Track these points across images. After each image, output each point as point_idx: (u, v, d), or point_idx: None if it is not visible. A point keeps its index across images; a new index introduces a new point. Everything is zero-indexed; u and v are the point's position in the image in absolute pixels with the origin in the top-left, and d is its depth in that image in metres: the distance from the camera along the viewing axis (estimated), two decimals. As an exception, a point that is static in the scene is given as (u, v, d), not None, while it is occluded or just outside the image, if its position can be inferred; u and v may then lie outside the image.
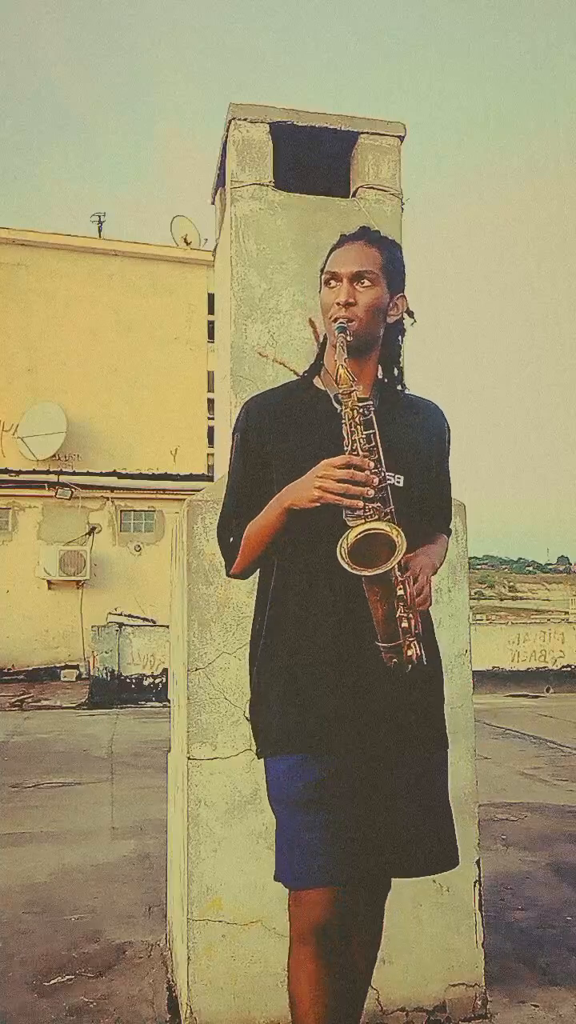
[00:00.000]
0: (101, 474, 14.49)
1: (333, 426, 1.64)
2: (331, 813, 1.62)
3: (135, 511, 14.70)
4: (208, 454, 15.30)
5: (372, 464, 1.58)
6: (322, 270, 1.80)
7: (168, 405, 15.17)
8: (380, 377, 1.84)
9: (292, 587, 1.71)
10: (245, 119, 2.58)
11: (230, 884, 2.30)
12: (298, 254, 2.56)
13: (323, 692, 1.66)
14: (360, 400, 1.61)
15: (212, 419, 15.04)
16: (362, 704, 1.65)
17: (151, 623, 11.47)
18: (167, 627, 3.67)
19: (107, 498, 14.50)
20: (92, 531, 14.31)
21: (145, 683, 10.36)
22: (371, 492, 1.56)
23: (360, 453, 1.59)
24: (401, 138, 2.67)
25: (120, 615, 12.06)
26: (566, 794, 5.40)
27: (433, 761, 1.74)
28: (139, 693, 10.29)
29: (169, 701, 2.95)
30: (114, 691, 10.23)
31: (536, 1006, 2.49)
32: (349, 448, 1.60)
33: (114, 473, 14.56)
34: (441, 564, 1.86)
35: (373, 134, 2.64)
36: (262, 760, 1.77)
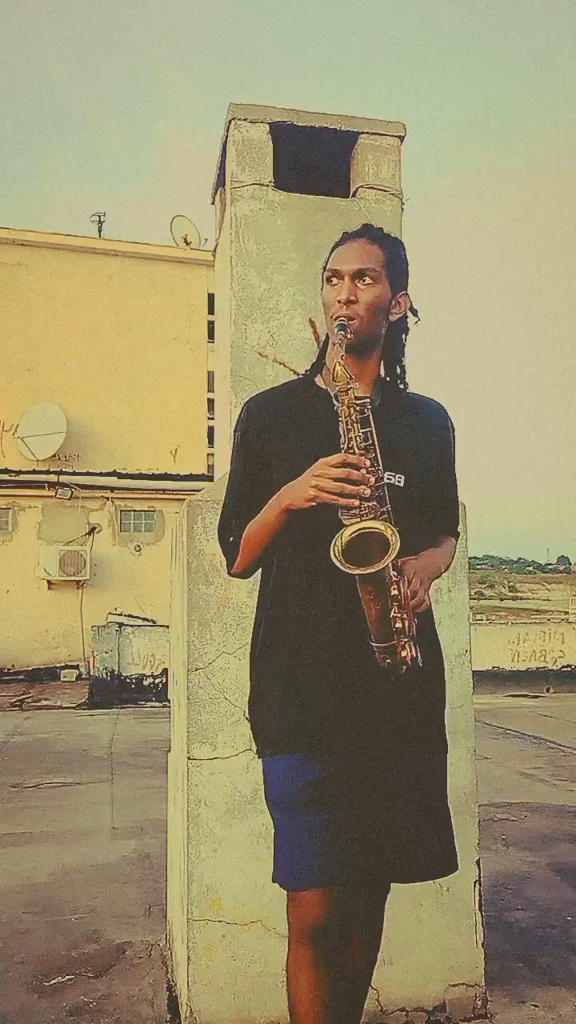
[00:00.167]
0: (101, 474, 14.50)
1: (334, 425, 1.63)
2: (330, 813, 1.62)
3: (135, 511, 14.70)
4: (208, 454, 15.31)
5: (368, 463, 1.58)
6: (324, 268, 1.79)
7: (168, 405, 15.17)
8: (382, 376, 1.83)
9: (292, 587, 1.71)
10: (245, 119, 2.58)
11: (230, 884, 2.30)
12: (298, 254, 2.56)
13: (323, 692, 1.65)
14: (357, 398, 1.60)
15: (212, 419, 15.04)
16: (362, 704, 1.64)
17: (151, 623, 11.47)
18: (167, 627, 3.67)
19: (107, 498, 14.51)
20: (92, 531, 14.31)
21: (145, 683, 10.37)
22: (367, 491, 1.55)
23: (356, 451, 1.58)
24: (401, 138, 2.67)
25: (120, 615, 12.06)
26: (566, 794, 5.40)
27: (432, 762, 1.73)
28: (139, 693, 10.29)
29: (169, 701, 2.95)
30: (114, 691, 10.23)
31: (536, 1006, 2.49)
32: (345, 446, 1.59)
33: (114, 473, 14.56)
34: (447, 567, 1.83)
35: (373, 134, 2.64)
36: (262, 761, 1.77)
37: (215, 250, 3.04)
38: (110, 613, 12.53)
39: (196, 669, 2.37)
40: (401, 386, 1.82)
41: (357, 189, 2.66)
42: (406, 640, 1.56)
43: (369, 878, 1.69)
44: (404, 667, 1.58)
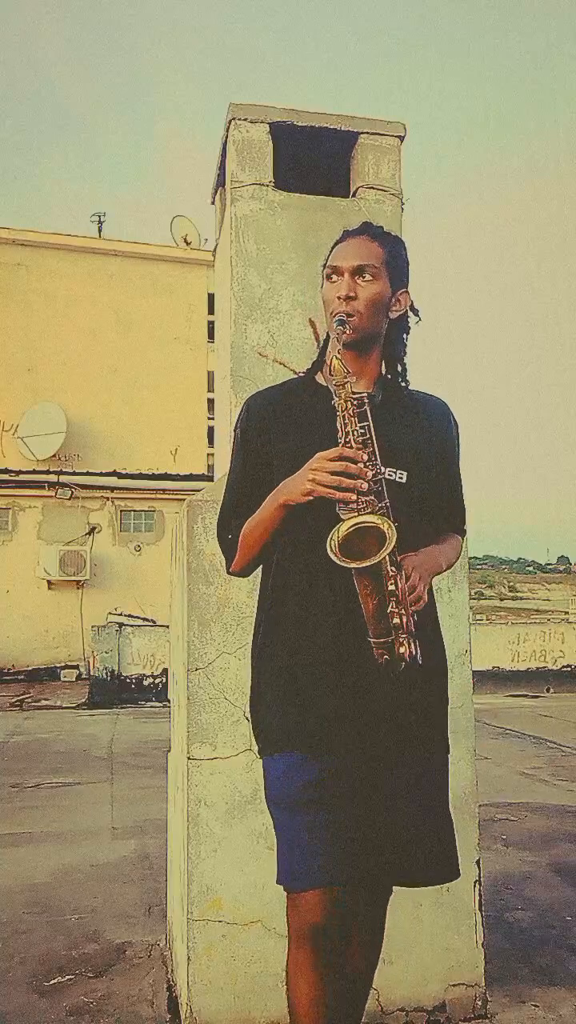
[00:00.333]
0: (101, 474, 14.50)
1: (334, 423, 1.63)
2: (330, 813, 1.62)
3: (135, 511, 14.70)
4: (208, 454, 15.31)
5: (366, 457, 1.57)
6: (324, 265, 1.79)
7: (168, 405, 15.17)
8: (384, 374, 1.83)
9: (292, 587, 1.71)
10: (245, 119, 2.58)
11: (230, 884, 2.30)
12: (298, 254, 2.56)
13: (323, 692, 1.65)
14: (354, 392, 1.60)
15: (212, 419, 15.04)
16: (362, 704, 1.64)
17: (151, 623, 11.47)
18: (167, 627, 3.67)
19: (107, 498, 14.51)
20: (92, 531, 14.31)
21: (145, 683, 10.37)
22: (364, 485, 1.55)
23: (354, 446, 1.58)
24: (401, 138, 2.67)
25: (120, 615, 12.06)
26: (566, 794, 5.40)
27: (432, 763, 1.73)
28: (139, 693, 10.29)
29: (169, 701, 2.95)
30: (114, 691, 10.24)
31: (536, 1006, 2.49)
32: (343, 440, 1.59)
33: (114, 473, 14.56)
34: (450, 565, 1.82)
35: (373, 134, 2.64)
36: (260, 759, 1.77)
37: (215, 250, 3.04)
38: (110, 613, 12.53)
39: (196, 669, 2.37)
40: (403, 384, 1.82)
41: (357, 189, 2.65)
42: (404, 636, 1.55)
43: (369, 879, 1.68)
44: (402, 664, 1.57)
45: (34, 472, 14.26)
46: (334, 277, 1.75)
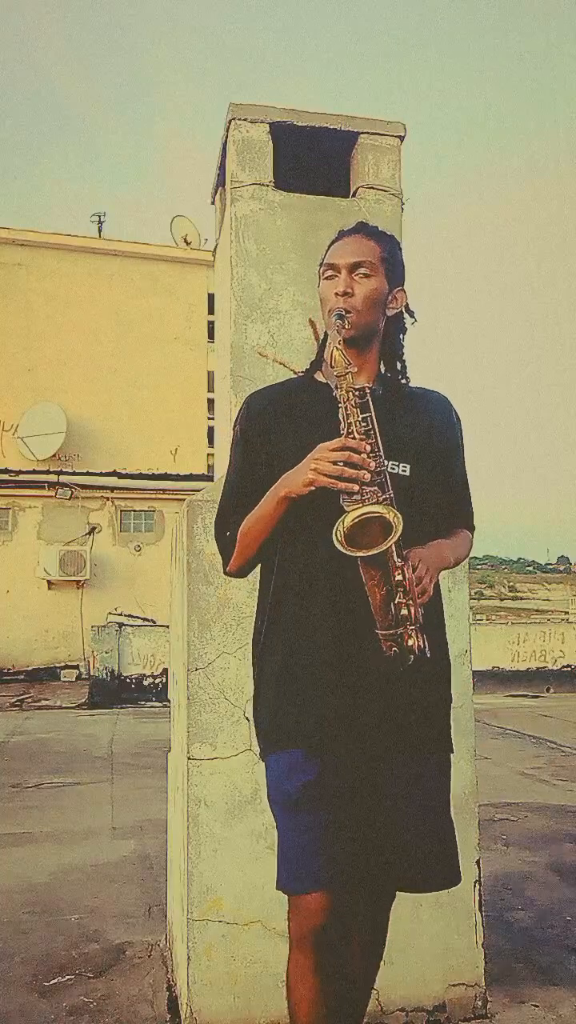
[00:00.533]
0: (101, 474, 14.50)
1: (335, 420, 1.63)
2: (330, 813, 1.61)
3: (135, 511, 14.70)
4: (208, 454, 15.31)
5: (369, 447, 1.57)
6: (321, 264, 1.79)
7: (168, 405, 15.18)
8: (383, 371, 1.83)
9: (291, 587, 1.70)
10: (245, 119, 2.58)
11: (230, 884, 2.30)
12: (298, 254, 2.56)
13: (323, 692, 1.64)
14: (355, 384, 1.60)
15: (212, 419, 15.05)
16: (361, 704, 1.63)
17: (151, 623, 11.47)
18: (167, 627, 3.67)
19: (107, 498, 14.51)
20: (92, 531, 14.31)
21: (145, 683, 10.37)
22: (367, 475, 1.54)
23: (356, 436, 1.58)
24: (401, 138, 2.67)
25: (120, 615, 12.06)
26: (566, 794, 5.40)
27: (431, 763, 1.72)
28: (139, 693, 10.30)
29: (169, 701, 2.95)
30: (114, 691, 10.24)
31: (536, 1006, 2.49)
32: (345, 431, 1.59)
33: (114, 473, 14.56)
34: (459, 561, 1.81)
35: (373, 134, 2.64)
36: (262, 761, 1.77)
37: (215, 250, 3.04)
38: (110, 613, 12.53)
39: (196, 669, 2.37)
40: (403, 381, 1.82)
41: (357, 189, 2.65)
42: (412, 628, 1.54)
43: (370, 881, 1.68)
44: (411, 657, 1.56)
45: (34, 472, 14.27)
46: (331, 274, 1.75)
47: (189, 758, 2.33)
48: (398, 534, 1.50)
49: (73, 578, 13.84)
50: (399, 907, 1.82)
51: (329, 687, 1.64)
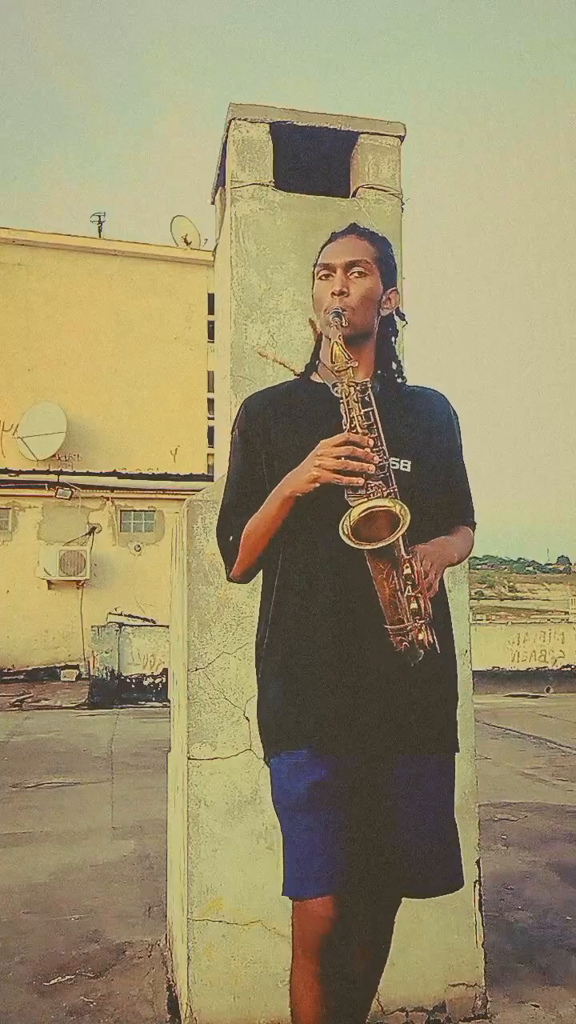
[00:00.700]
0: (101, 474, 14.50)
1: (334, 419, 1.63)
2: (333, 814, 1.61)
3: (135, 511, 14.70)
4: (208, 454, 15.31)
5: (372, 442, 1.57)
6: (315, 265, 1.80)
7: (168, 405, 15.18)
8: (379, 371, 1.83)
9: (292, 586, 1.70)
10: (245, 119, 2.58)
11: (230, 884, 2.30)
12: (298, 254, 2.56)
13: (322, 692, 1.64)
14: (356, 379, 1.61)
15: (212, 419, 15.05)
16: (361, 704, 1.63)
17: (151, 623, 11.47)
18: (167, 627, 3.67)
19: (107, 498, 14.51)
20: (92, 531, 14.31)
21: (145, 683, 10.37)
22: (372, 468, 1.54)
23: (359, 431, 1.58)
24: (401, 138, 2.67)
25: (120, 615, 12.06)
26: (566, 794, 5.40)
27: (432, 763, 1.71)
28: (139, 693, 10.29)
29: (169, 701, 2.95)
30: (114, 691, 10.23)
31: (536, 1006, 2.49)
32: (347, 427, 1.59)
33: (114, 473, 14.56)
34: (462, 557, 1.80)
35: (373, 134, 2.64)
36: (262, 760, 1.76)
37: (215, 250, 3.04)
38: (110, 613, 12.53)
39: (196, 669, 2.37)
40: (399, 380, 1.82)
41: (357, 189, 2.66)
42: (422, 622, 1.54)
43: (370, 881, 1.68)
44: (422, 652, 1.55)
45: (34, 472, 14.26)
46: (326, 274, 1.76)
47: (189, 758, 2.33)
48: (406, 526, 1.50)
49: (73, 578, 13.84)
50: (400, 907, 1.82)
51: (329, 687, 1.64)
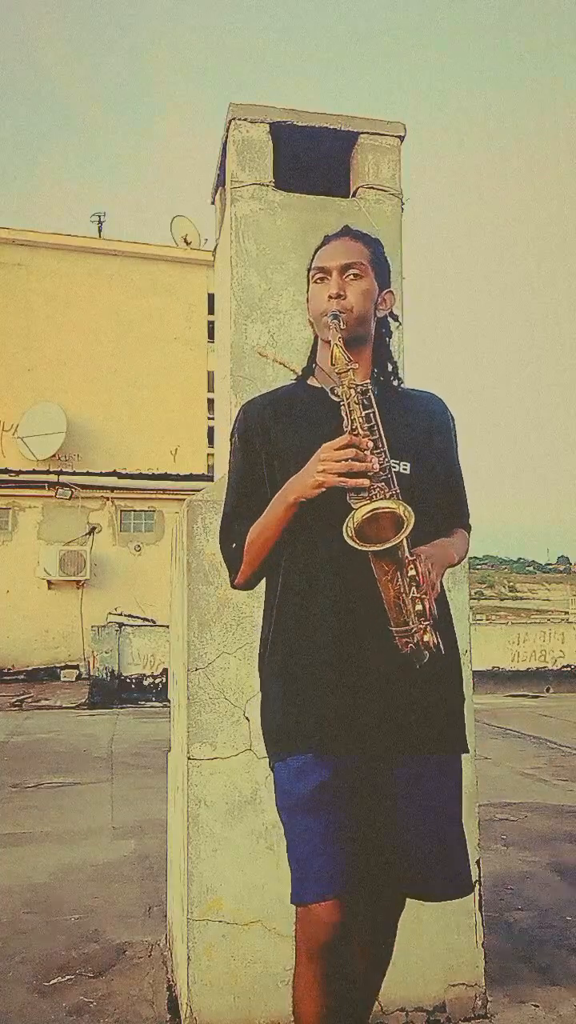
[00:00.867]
0: (101, 474, 14.50)
1: (333, 422, 1.63)
2: (335, 815, 1.60)
3: (135, 511, 14.70)
4: (208, 454, 15.31)
5: (373, 443, 1.57)
6: (309, 269, 1.80)
7: (168, 405, 15.18)
8: (376, 374, 1.83)
9: (292, 587, 1.70)
10: (245, 119, 2.58)
11: (230, 884, 2.30)
12: (298, 254, 2.56)
13: (322, 692, 1.64)
14: (356, 381, 1.61)
15: (212, 419, 15.04)
16: (361, 704, 1.63)
17: (151, 623, 11.47)
18: (167, 627, 3.67)
19: (107, 498, 14.50)
20: (92, 531, 14.31)
21: (145, 683, 10.37)
22: (375, 469, 1.55)
23: (360, 433, 1.58)
24: (401, 138, 2.67)
25: (120, 615, 12.06)
26: (566, 794, 5.40)
27: (432, 763, 1.70)
28: (139, 693, 10.29)
29: (169, 701, 2.95)
30: (114, 691, 10.24)
31: (536, 1006, 2.49)
32: (349, 428, 1.59)
33: (114, 473, 14.56)
34: (461, 559, 1.81)
35: (373, 134, 2.64)
36: (263, 761, 1.76)
37: (215, 250, 3.04)
38: (110, 613, 12.53)
39: (196, 669, 2.37)
40: (395, 383, 1.82)
41: (357, 189, 2.65)
42: (427, 623, 1.54)
43: (374, 883, 1.67)
44: (427, 654, 1.55)
45: (34, 472, 14.26)
46: (322, 277, 1.76)
47: (189, 758, 2.33)
48: (410, 527, 1.50)
49: (73, 578, 13.83)
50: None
51: (329, 687, 1.64)
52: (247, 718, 2.35)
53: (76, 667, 13.19)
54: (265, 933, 2.29)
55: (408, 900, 1.78)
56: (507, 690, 11.17)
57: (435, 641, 1.55)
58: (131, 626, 10.90)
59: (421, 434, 1.77)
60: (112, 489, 14.52)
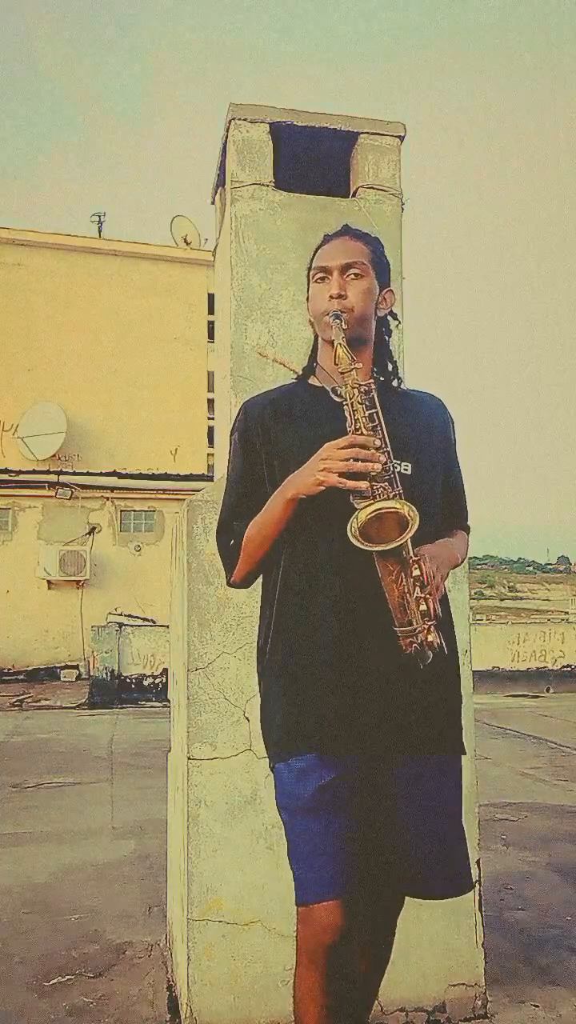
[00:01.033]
0: (101, 474, 14.49)
1: (334, 422, 1.63)
2: (336, 816, 1.60)
3: (135, 511, 14.69)
4: (208, 454, 15.30)
5: (376, 443, 1.57)
6: (309, 268, 1.80)
7: (168, 405, 15.17)
8: (376, 374, 1.83)
9: (292, 587, 1.70)
10: (245, 119, 2.58)
11: (230, 884, 2.30)
12: (298, 254, 2.56)
13: (323, 692, 1.64)
14: (359, 380, 1.61)
15: (212, 419, 15.04)
16: (361, 704, 1.63)
17: (151, 623, 11.47)
18: (167, 627, 3.67)
19: (107, 498, 14.50)
20: (92, 531, 14.31)
21: (145, 683, 10.36)
22: (378, 469, 1.55)
23: (364, 432, 1.58)
24: (401, 138, 2.67)
25: (120, 615, 12.06)
26: (566, 794, 5.40)
27: (432, 763, 1.70)
28: (139, 693, 10.29)
29: (169, 701, 2.95)
30: (114, 691, 10.23)
31: (536, 1006, 2.49)
32: (352, 428, 1.59)
33: (114, 473, 14.55)
34: (462, 559, 1.82)
35: (373, 134, 2.64)
36: (263, 761, 1.76)
37: (215, 250, 3.04)
38: (110, 613, 12.53)
39: (196, 669, 2.37)
40: (395, 383, 1.82)
41: (357, 189, 2.66)
42: (431, 623, 1.53)
43: (374, 883, 1.67)
44: (430, 654, 1.55)
45: (34, 472, 14.26)
46: (322, 276, 1.76)
47: (189, 758, 2.33)
48: (415, 527, 1.50)
49: (73, 578, 13.83)
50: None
51: (329, 687, 1.63)
52: (247, 718, 2.35)
53: (76, 667, 13.19)
54: (265, 933, 2.29)
55: (408, 900, 1.78)
56: (507, 690, 11.17)
57: (439, 641, 1.55)
58: (131, 626, 10.90)
59: (423, 433, 1.77)
60: (112, 489, 14.52)
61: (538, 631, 12.08)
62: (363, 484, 1.54)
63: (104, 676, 10.29)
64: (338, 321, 1.66)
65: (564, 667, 11.81)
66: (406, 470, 1.67)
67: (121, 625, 10.82)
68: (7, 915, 3.26)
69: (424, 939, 2.39)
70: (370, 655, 1.61)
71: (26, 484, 14.16)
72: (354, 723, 1.63)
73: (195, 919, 2.28)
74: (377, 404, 1.61)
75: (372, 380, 1.69)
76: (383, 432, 1.59)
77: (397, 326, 1.87)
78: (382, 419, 1.60)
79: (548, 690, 11.47)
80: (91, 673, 10.64)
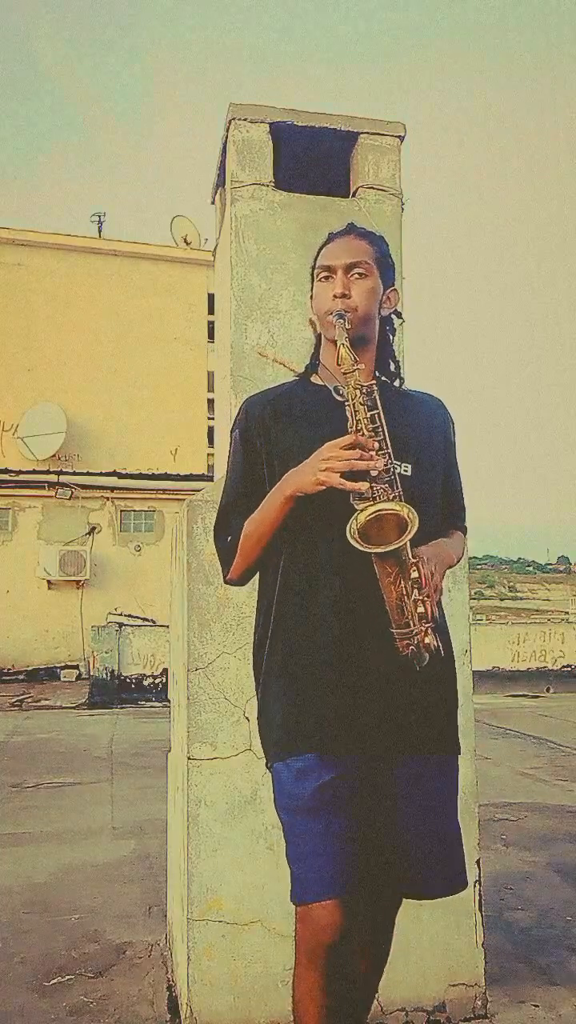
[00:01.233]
0: (101, 474, 14.49)
1: (335, 421, 1.63)
2: (336, 816, 1.60)
3: (135, 511, 14.69)
4: (208, 454, 15.30)
5: (377, 445, 1.57)
6: (313, 267, 1.79)
7: (168, 405, 15.17)
8: (378, 374, 1.83)
9: (292, 587, 1.70)
10: (245, 119, 2.58)
11: (230, 884, 2.30)
12: (298, 254, 2.56)
13: (323, 692, 1.64)
14: (362, 381, 1.61)
15: (212, 419, 15.04)
16: (361, 704, 1.63)
17: (151, 623, 11.47)
18: (167, 627, 3.67)
19: (107, 498, 14.50)
20: (92, 531, 14.31)
21: (145, 683, 10.37)
22: (381, 464, 1.55)
23: (365, 433, 1.58)
24: (401, 138, 2.67)
25: (120, 615, 12.06)
26: (566, 794, 5.40)
27: (432, 763, 1.70)
28: (139, 693, 10.29)
29: (169, 701, 2.95)
30: (114, 691, 10.23)
31: (536, 1006, 2.49)
32: (353, 428, 1.59)
33: (114, 473, 14.56)
34: (459, 560, 1.82)
35: (373, 134, 2.65)
36: (263, 760, 1.76)
37: (215, 250, 3.04)
38: (110, 613, 12.53)
39: (196, 669, 2.37)
40: (397, 383, 1.82)
41: (357, 189, 2.66)
42: (428, 626, 1.54)
43: (374, 883, 1.67)
44: (427, 656, 1.55)
45: (34, 472, 14.26)
46: (326, 275, 1.75)
47: (189, 758, 2.33)
48: (415, 529, 1.50)
49: (73, 578, 13.83)
50: (400, 908, 1.82)
51: (329, 687, 1.63)
52: (247, 718, 2.35)
53: (76, 667, 13.19)
54: (265, 933, 2.29)
55: (408, 902, 1.78)
56: (507, 690, 11.17)
57: (436, 644, 1.55)
58: (131, 626, 10.90)
59: (423, 434, 1.77)
60: (112, 489, 14.52)
61: (538, 631, 12.09)
62: (363, 485, 1.54)
63: (104, 676, 10.29)
64: (341, 321, 1.66)
65: (564, 667, 11.81)
66: (406, 471, 1.67)
67: (121, 625, 10.82)
68: (7, 915, 3.26)
69: (424, 939, 2.39)
70: (370, 655, 1.61)
71: (26, 484, 14.16)
72: (354, 723, 1.63)
73: (195, 919, 2.28)
74: (379, 405, 1.61)
75: (374, 381, 1.69)
76: (384, 433, 1.59)
77: (401, 325, 1.87)
78: (383, 420, 1.60)
79: (548, 690, 11.47)
80: (91, 673, 10.64)
